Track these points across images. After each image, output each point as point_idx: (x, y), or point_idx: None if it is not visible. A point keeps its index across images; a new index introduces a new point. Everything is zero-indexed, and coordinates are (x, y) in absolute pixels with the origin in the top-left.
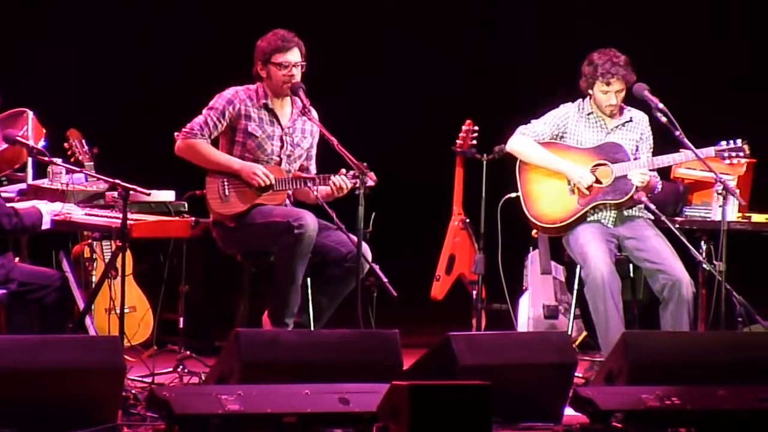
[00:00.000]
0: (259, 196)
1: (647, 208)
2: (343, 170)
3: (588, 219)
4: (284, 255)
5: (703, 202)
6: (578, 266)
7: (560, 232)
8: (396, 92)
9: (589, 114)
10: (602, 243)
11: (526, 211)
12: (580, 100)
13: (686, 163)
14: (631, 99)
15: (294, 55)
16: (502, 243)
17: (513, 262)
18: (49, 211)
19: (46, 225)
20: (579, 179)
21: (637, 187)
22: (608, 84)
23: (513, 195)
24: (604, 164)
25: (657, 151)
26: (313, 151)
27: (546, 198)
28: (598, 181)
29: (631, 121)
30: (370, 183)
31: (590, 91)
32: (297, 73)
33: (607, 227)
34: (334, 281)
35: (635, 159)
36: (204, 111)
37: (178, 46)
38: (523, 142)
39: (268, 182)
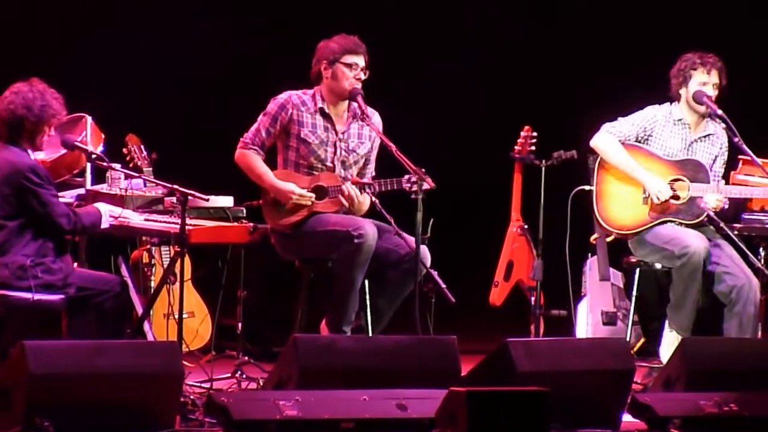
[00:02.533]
0: (314, 205)
1: (708, 217)
2: (406, 176)
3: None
4: (343, 264)
5: (762, 209)
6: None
7: (623, 237)
8: (455, 97)
9: (678, 120)
10: (690, 231)
11: (595, 208)
12: (668, 104)
13: (744, 168)
14: None
15: (362, 60)
16: (569, 240)
17: (573, 268)
18: (108, 211)
19: (105, 225)
20: (657, 193)
21: (708, 214)
22: (709, 73)
23: (586, 188)
24: (682, 180)
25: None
26: (372, 156)
27: (618, 201)
28: (674, 197)
29: (713, 134)
30: (427, 187)
31: (682, 91)
32: (362, 77)
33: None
34: (392, 283)
35: (713, 175)
36: (259, 117)
37: (238, 51)
38: (608, 142)
39: (305, 202)
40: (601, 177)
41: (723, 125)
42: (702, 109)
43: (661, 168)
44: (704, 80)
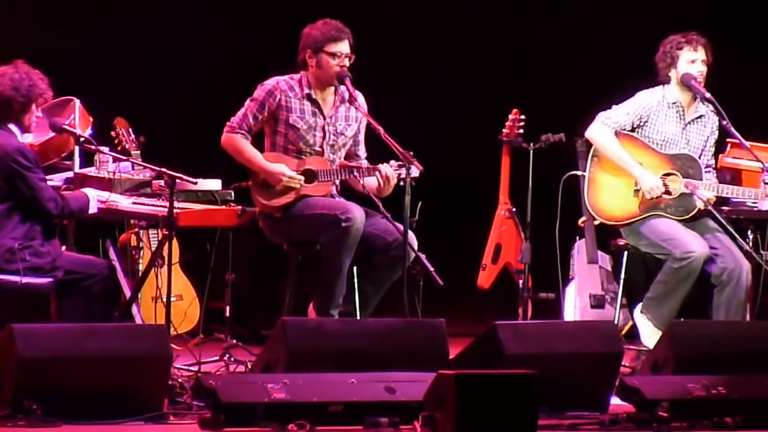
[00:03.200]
0: (303, 188)
1: (706, 209)
2: (393, 162)
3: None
4: (331, 247)
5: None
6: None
7: (613, 226)
8: (442, 81)
9: (672, 103)
10: (688, 231)
11: (585, 195)
12: (662, 87)
13: (733, 151)
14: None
15: (346, 46)
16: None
17: (561, 252)
18: (95, 196)
19: (93, 210)
20: (649, 189)
21: (699, 209)
22: (696, 50)
23: (577, 173)
24: (674, 174)
25: None
26: (361, 136)
27: (609, 191)
28: (666, 192)
29: (704, 116)
30: (416, 172)
31: (671, 73)
32: (347, 64)
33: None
34: (380, 269)
35: (705, 159)
36: (246, 102)
37: (224, 36)
38: (602, 134)
39: (294, 185)
40: (595, 163)
41: (711, 108)
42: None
43: (654, 161)
44: (692, 57)
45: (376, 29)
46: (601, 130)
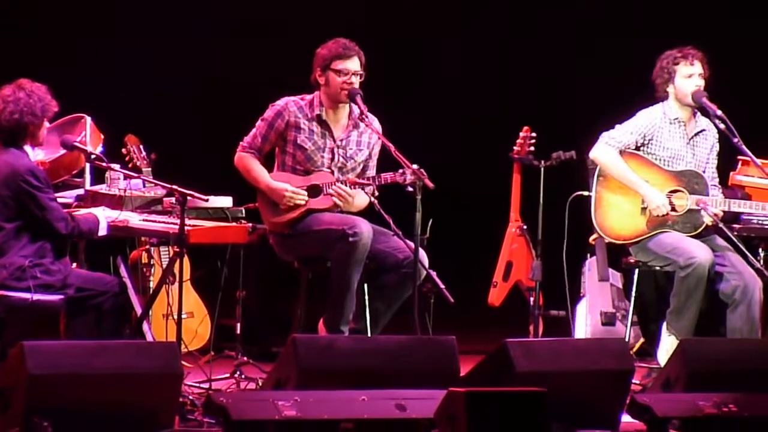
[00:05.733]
0: (308, 202)
1: (714, 225)
2: (400, 171)
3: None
4: (339, 263)
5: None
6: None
7: (622, 245)
8: (454, 98)
9: (674, 119)
10: (693, 240)
11: (592, 215)
12: (661, 104)
13: (744, 169)
14: None
15: (354, 64)
16: (566, 243)
17: (571, 269)
18: (106, 216)
19: (102, 231)
20: (655, 207)
21: (706, 224)
22: (692, 64)
23: (584, 194)
24: (681, 191)
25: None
26: (372, 163)
27: (616, 210)
28: (673, 209)
29: (705, 130)
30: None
31: (669, 89)
32: (355, 82)
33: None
34: (390, 287)
35: (711, 173)
36: (258, 122)
37: (238, 54)
38: (607, 154)
39: (298, 200)
40: (601, 183)
41: (722, 126)
42: (690, 101)
43: (659, 178)
44: (689, 72)
45: (389, 47)
46: (606, 150)
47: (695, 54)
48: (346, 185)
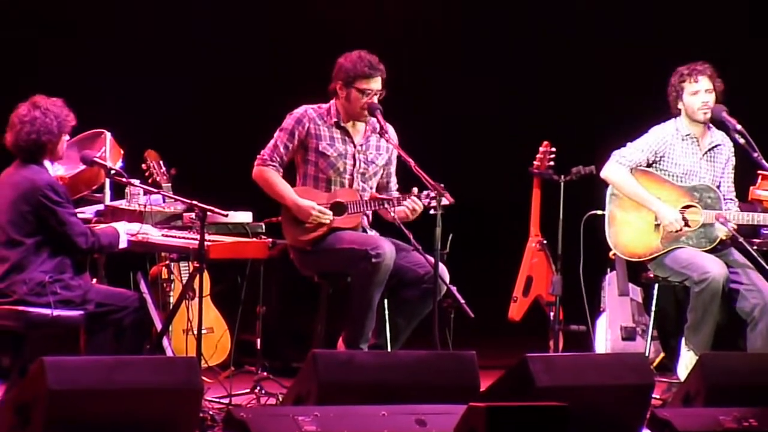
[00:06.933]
0: (333, 221)
1: (732, 237)
2: (415, 189)
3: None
4: (361, 282)
5: None
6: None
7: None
8: (474, 112)
9: (686, 135)
10: (707, 255)
11: (606, 233)
12: (674, 120)
13: (764, 183)
14: None
15: (377, 83)
16: (582, 262)
17: (591, 283)
18: (126, 230)
19: (123, 245)
20: (669, 223)
21: (721, 238)
22: (696, 81)
23: (598, 213)
24: (694, 207)
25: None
26: (392, 168)
27: (630, 228)
28: (686, 224)
29: (720, 144)
30: (446, 202)
31: (680, 105)
32: (376, 101)
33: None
34: (411, 302)
35: (727, 187)
36: (276, 133)
37: (255, 67)
38: (618, 173)
39: (324, 220)
40: (614, 201)
41: (742, 140)
42: (701, 117)
43: (672, 194)
44: (694, 89)
45: (409, 60)
46: (617, 169)
47: (700, 70)
48: (370, 201)
